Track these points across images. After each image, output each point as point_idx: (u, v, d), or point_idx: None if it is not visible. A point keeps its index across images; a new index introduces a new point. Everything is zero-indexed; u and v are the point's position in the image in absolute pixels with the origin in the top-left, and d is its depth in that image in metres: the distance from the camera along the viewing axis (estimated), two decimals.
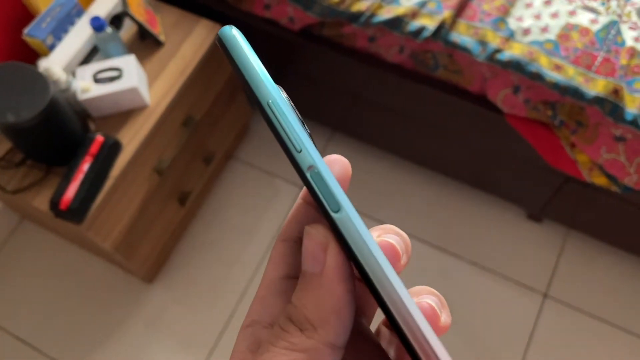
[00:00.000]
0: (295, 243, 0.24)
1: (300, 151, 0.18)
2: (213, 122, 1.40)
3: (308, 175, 0.18)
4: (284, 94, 0.18)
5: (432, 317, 0.21)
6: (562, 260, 1.45)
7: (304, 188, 0.24)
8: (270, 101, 0.17)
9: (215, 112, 1.38)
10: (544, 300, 1.41)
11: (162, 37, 1.24)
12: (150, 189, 1.23)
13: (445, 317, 0.22)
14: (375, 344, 0.24)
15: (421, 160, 1.52)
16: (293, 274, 0.23)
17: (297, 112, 0.18)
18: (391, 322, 0.18)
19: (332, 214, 0.17)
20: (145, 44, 1.24)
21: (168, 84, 1.20)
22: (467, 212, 1.51)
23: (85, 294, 1.47)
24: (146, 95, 1.16)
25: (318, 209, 0.17)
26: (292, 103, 0.18)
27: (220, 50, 0.18)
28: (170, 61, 1.23)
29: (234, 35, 0.18)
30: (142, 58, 1.22)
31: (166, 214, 1.35)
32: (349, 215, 0.17)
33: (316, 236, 0.20)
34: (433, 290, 0.23)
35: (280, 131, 0.18)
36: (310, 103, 1.51)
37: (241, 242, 1.52)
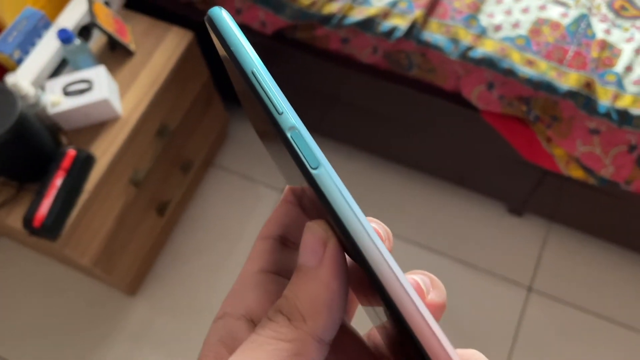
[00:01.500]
0: (274, 241, 0.24)
1: (282, 113, 0.19)
2: (189, 129, 1.38)
3: (289, 135, 0.18)
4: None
5: (416, 290, 0.21)
6: (544, 253, 1.45)
7: (287, 188, 0.25)
8: (254, 70, 0.19)
9: (190, 119, 1.36)
10: (528, 293, 1.41)
11: (132, 47, 1.22)
12: (127, 201, 1.22)
13: (433, 295, 0.22)
14: (356, 338, 0.24)
15: (399, 159, 1.52)
16: (269, 269, 0.24)
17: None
18: (369, 274, 0.18)
19: (311, 171, 0.18)
20: (115, 54, 1.22)
21: (140, 93, 1.18)
22: (448, 209, 1.51)
23: (67, 309, 1.44)
24: (118, 106, 1.15)
25: (298, 168, 0.18)
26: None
27: (209, 29, 0.20)
28: (141, 70, 1.21)
29: (222, 14, 0.19)
30: (112, 68, 1.20)
31: (145, 225, 1.33)
32: (327, 171, 0.18)
33: (317, 231, 0.20)
34: (425, 272, 0.22)
35: (263, 96, 0.19)
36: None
37: (224, 249, 1.51)
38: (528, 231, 1.48)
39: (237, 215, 1.55)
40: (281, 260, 0.25)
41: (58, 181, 1.06)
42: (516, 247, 1.47)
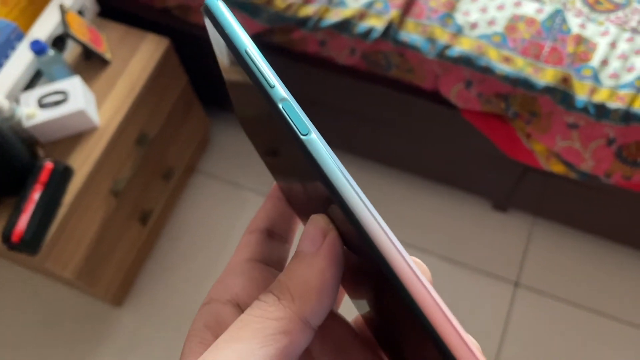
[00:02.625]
0: (261, 233, 0.25)
1: (274, 87, 0.20)
2: (169, 136, 1.37)
3: (280, 105, 0.20)
4: None
5: None
6: (530, 247, 1.46)
7: (274, 185, 0.27)
8: (247, 49, 0.20)
9: (170, 126, 1.35)
10: (515, 289, 1.42)
11: (108, 55, 1.21)
12: (108, 212, 1.20)
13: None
14: (343, 323, 0.25)
15: (382, 159, 1.51)
16: (256, 258, 0.25)
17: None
18: (358, 232, 0.19)
19: (302, 137, 0.19)
20: (91, 63, 1.21)
21: (117, 102, 1.17)
22: (433, 207, 1.51)
23: (52, 323, 1.43)
24: (95, 116, 1.13)
25: (290, 136, 0.19)
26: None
27: (205, 18, 0.21)
28: (118, 79, 1.19)
29: (218, 3, 0.21)
30: (88, 78, 1.19)
31: (128, 235, 1.32)
32: (316, 136, 0.19)
33: (319, 222, 0.21)
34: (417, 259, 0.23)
35: (256, 72, 0.20)
36: None
37: (211, 255, 1.50)
38: (513, 226, 1.48)
39: (223, 221, 1.54)
40: (268, 250, 0.25)
41: (36, 195, 1.04)
42: (502, 242, 1.47)
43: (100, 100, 1.17)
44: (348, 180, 0.19)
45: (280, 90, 0.20)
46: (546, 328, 1.37)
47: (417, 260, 0.22)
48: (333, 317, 0.24)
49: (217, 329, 0.22)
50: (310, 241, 0.21)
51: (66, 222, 1.09)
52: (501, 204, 1.46)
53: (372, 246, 0.18)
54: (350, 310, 0.28)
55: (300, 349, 0.20)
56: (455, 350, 0.18)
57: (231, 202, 1.56)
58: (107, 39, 1.24)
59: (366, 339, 0.25)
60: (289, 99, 0.20)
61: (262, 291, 0.22)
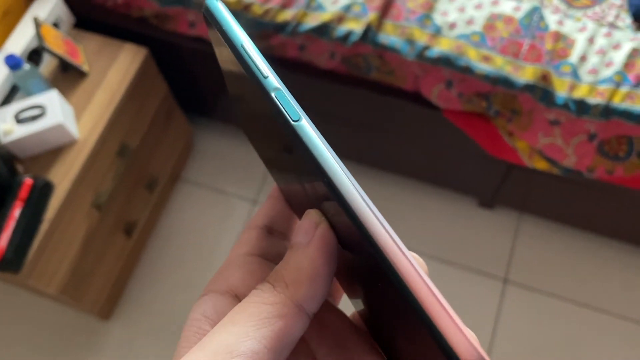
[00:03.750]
0: (260, 229, 0.27)
1: (267, 77, 0.21)
2: (152, 146, 1.36)
3: (273, 94, 0.20)
4: None
5: None
6: (517, 244, 1.46)
7: (274, 186, 0.28)
8: (243, 44, 0.21)
9: (152, 136, 1.34)
10: (504, 285, 1.42)
11: (85, 67, 1.19)
12: (91, 225, 1.19)
13: None
14: (340, 315, 0.25)
15: (367, 161, 1.51)
16: (254, 252, 0.26)
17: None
18: (345, 211, 0.19)
19: (293, 123, 0.20)
20: (68, 76, 1.19)
21: (97, 114, 1.16)
22: (419, 206, 1.51)
23: (38, 338, 1.41)
24: (74, 129, 1.12)
25: (281, 123, 0.20)
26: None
27: (205, 18, 0.22)
28: (96, 91, 1.18)
29: (217, 4, 0.22)
30: (66, 91, 1.17)
31: (113, 248, 1.30)
32: (307, 122, 0.20)
33: (313, 216, 0.22)
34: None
35: (251, 64, 0.21)
36: None
37: (199, 264, 1.48)
38: (500, 223, 1.49)
39: (209, 228, 1.53)
40: (267, 245, 0.26)
41: (16, 212, 1.03)
42: (489, 239, 1.47)
43: (78, 113, 1.16)
44: (338, 163, 0.20)
45: (273, 80, 0.21)
46: (536, 323, 1.37)
47: (414, 255, 0.22)
48: (331, 310, 0.25)
49: (215, 319, 0.23)
50: (304, 233, 0.22)
51: (48, 238, 1.08)
52: (487, 202, 1.46)
53: (360, 225, 0.19)
54: (350, 310, 0.28)
55: (294, 333, 0.21)
56: (453, 342, 0.17)
57: (217, 209, 1.55)
58: (84, 51, 1.22)
59: (365, 331, 0.25)
60: (281, 88, 0.21)
61: (259, 283, 0.23)
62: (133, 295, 1.44)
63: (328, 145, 0.20)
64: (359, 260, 0.21)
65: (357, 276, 0.23)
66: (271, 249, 0.26)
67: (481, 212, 1.50)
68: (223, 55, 0.24)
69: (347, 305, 0.28)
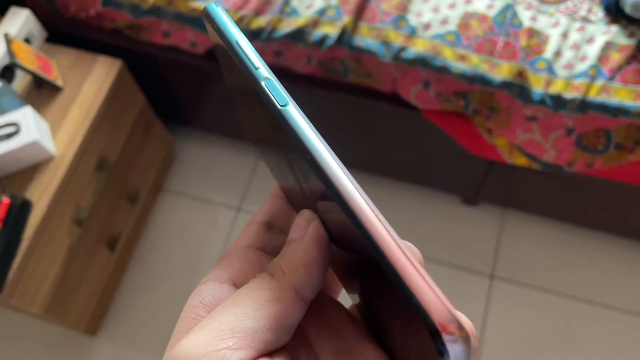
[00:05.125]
0: (260, 225, 0.28)
1: (258, 68, 0.22)
2: (131, 158, 1.34)
3: (263, 83, 0.22)
4: None
5: None
6: (502, 239, 1.47)
7: (276, 186, 0.30)
8: (237, 40, 0.23)
9: (131, 148, 1.32)
10: (491, 281, 1.42)
11: (59, 82, 1.17)
12: (73, 241, 1.17)
13: None
14: (338, 304, 0.26)
15: (348, 163, 1.50)
16: (254, 245, 0.27)
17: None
18: (331, 192, 0.20)
19: (280, 107, 0.21)
20: (42, 91, 1.18)
21: (73, 129, 1.14)
22: (403, 206, 1.51)
23: (26, 357, 1.39)
24: (50, 145, 1.10)
25: (271, 108, 0.22)
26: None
27: (205, 20, 0.24)
28: (72, 105, 1.16)
29: (215, 8, 0.24)
30: (41, 107, 1.16)
31: (97, 263, 1.29)
32: (294, 107, 0.21)
33: (306, 214, 0.24)
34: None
35: (244, 57, 0.22)
36: (235, 123, 1.47)
37: (186, 274, 1.47)
38: (484, 219, 1.49)
39: (195, 238, 1.52)
40: (266, 239, 0.28)
41: None
42: (474, 236, 1.48)
43: (54, 129, 1.14)
44: (321, 142, 0.21)
45: (263, 71, 0.22)
46: (525, 317, 1.38)
47: (407, 243, 0.23)
48: (328, 301, 0.26)
49: (212, 306, 0.24)
50: (298, 230, 0.24)
51: (29, 257, 1.06)
52: (471, 199, 1.47)
53: (342, 201, 0.20)
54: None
55: (292, 317, 0.22)
56: (425, 302, 0.18)
57: (202, 218, 1.54)
58: (58, 65, 1.20)
59: (362, 322, 0.26)
60: (271, 78, 0.22)
61: (257, 273, 0.24)
62: (120, 309, 1.43)
63: (313, 127, 0.21)
64: (352, 254, 0.22)
65: (351, 270, 0.24)
66: (270, 243, 0.28)
67: (465, 209, 1.50)
68: (221, 52, 0.25)
69: (347, 303, 0.28)
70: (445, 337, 0.17)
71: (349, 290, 0.27)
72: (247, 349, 0.21)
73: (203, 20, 0.24)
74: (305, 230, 0.24)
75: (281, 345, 0.22)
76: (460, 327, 0.17)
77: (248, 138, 0.33)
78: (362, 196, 0.20)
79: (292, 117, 0.21)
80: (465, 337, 0.17)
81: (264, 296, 0.22)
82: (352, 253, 0.22)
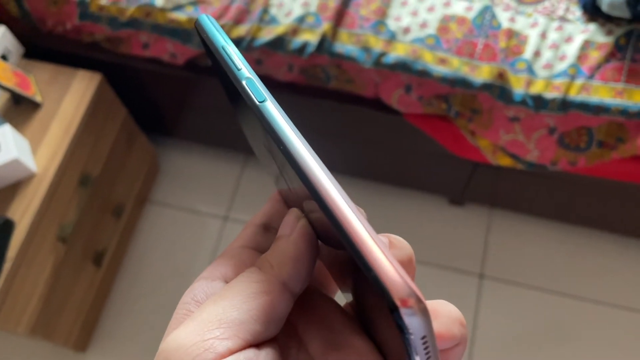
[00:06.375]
0: (257, 226, 0.29)
1: (240, 69, 0.23)
2: (115, 172, 1.33)
3: (244, 82, 0.23)
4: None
5: None
6: (490, 238, 1.47)
7: (275, 191, 0.31)
8: (223, 45, 0.24)
9: (114, 162, 1.31)
10: (480, 281, 1.43)
11: (38, 98, 1.16)
12: (57, 259, 1.16)
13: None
14: (329, 300, 0.26)
15: (335, 169, 1.50)
16: (249, 245, 0.28)
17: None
18: (302, 180, 0.21)
19: (258, 103, 0.22)
20: (21, 108, 1.16)
21: (53, 146, 1.13)
22: (390, 209, 1.51)
23: None
24: (31, 163, 1.09)
25: (250, 105, 0.22)
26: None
27: (197, 30, 0.25)
28: (52, 121, 1.15)
29: (205, 19, 0.25)
30: (20, 124, 1.14)
31: (83, 279, 1.27)
32: (271, 103, 0.22)
33: (295, 212, 0.25)
34: (386, 234, 0.24)
35: (228, 60, 0.24)
36: (218, 132, 1.47)
37: (175, 287, 1.46)
38: (471, 220, 1.50)
39: (182, 249, 1.50)
40: (262, 240, 0.28)
41: None
42: (462, 236, 1.48)
43: (35, 146, 1.12)
44: (295, 133, 0.22)
45: (245, 71, 0.23)
46: (515, 315, 1.39)
47: (396, 237, 0.24)
48: (320, 297, 0.26)
49: (204, 302, 0.24)
50: (287, 227, 0.24)
51: (13, 277, 1.05)
52: (457, 199, 1.47)
53: (313, 190, 0.20)
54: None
55: (280, 309, 0.22)
56: (383, 277, 0.17)
57: (189, 229, 1.53)
58: (36, 81, 1.19)
59: (354, 316, 0.26)
60: (252, 78, 0.23)
61: None
62: (109, 324, 1.41)
63: (290, 121, 0.22)
64: (338, 251, 0.22)
65: (342, 268, 0.24)
66: (265, 243, 0.28)
67: (452, 210, 1.50)
68: (214, 61, 0.27)
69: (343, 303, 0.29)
70: (403, 311, 0.17)
71: (343, 290, 0.27)
72: (234, 338, 0.21)
73: (196, 31, 0.26)
74: (294, 227, 0.24)
75: (270, 337, 0.22)
76: (419, 300, 0.17)
77: (242, 145, 0.35)
78: (327, 177, 0.20)
79: (268, 112, 0.22)
80: (423, 310, 0.17)
81: (252, 288, 0.22)
82: (338, 248, 0.22)
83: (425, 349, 0.18)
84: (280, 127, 0.22)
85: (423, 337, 0.17)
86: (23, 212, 1.07)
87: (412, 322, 0.17)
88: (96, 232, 1.29)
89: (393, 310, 0.17)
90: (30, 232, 1.06)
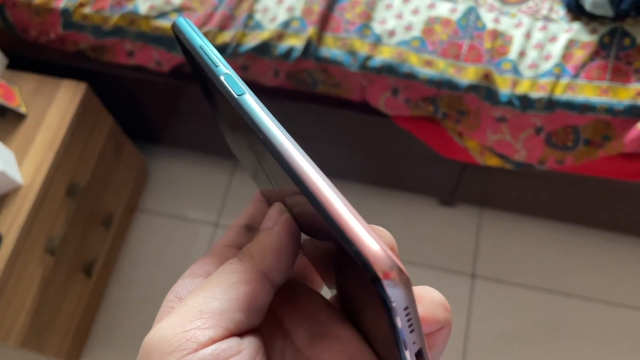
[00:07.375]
0: (240, 227, 0.29)
1: (218, 66, 0.23)
2: (103, 181, 1.32)
3: (222, 78, 0.23)
4: None
5: None
6: (481, 238, 1.48)
7: (258, 192, 0.31)
8: (201, 44, 0.24)
9: (102, 171, 1.30)
10: (472, 280, 1.43)
11: (22, 109, 1.15)
12: (46, 271, 1.15)
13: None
14: (313, 292, 0.27)
15: (325, 172, 1.50)
16: (232, 245, 0.28)
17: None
18: (281, 164, 0.21)
19: (237, 97, 0.22)
20: (5, 119, 1.15)
21: (39, 157, 1.12)
22: (381, 211, 1.51)
23: None
24: (17, 175, 1.08)
25: (229, 99, 0.23)
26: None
27: (174, 33, 0.26)
28: (37, 132, 1.14)
29: (183, 22, 0.25)
30: (5, 136, 1.13)
31: (73, 290, 1.26)
32: (249, 95, 0.23)
33: (278, 206, 0.25)
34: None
35: (206, 58, 0.24)
36: (207, 139, 1.46)
37: (166, 293, 1.45)
38: (462, 220, 1.50)
39: (173, 256, 1.50)
40: (245, 239, 0.28)
41: None
42: (453, 237, 1.48)
43: (20, 157, 1.11)
44: (274, 122, 0.22)
45: (222, 67, 0.23)
46: (508, 314, 1.39)
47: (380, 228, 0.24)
48: (304, 289, 0.26)
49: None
50: (270, 219, 0.25)
51: (1, 290, 1.04)
52: (448, 200, 1.47)
53: (291, 171, 0.20)
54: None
55: (260, 298, 0.23)
56: (364, 249, 0.18)
57: (179, 236, 1.52)
58: (20, 92, 1.18)
59: (339, 308, 0.27)
60: (230, 73, 0.23)
61: None
62: (100, 335, 1.40)
63: (268, 111, 0.22)
64: (322, 242, 0.23)
65: (327, 261, 0.25)
66: (248, 242, 0.28)
67: (443, 210, 1.51)
68: (193, 64, 0.27)
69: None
70: (385, 283, 0.17)
71: (329, 285, 0.28)
72: (216, 328, 0.21)
73: (174, 35, 0.26)
74: (276, 220, 0.24)
75: (252, 327, 0.23)
76: (401, 271, 0.17)
77: (230, 150, 0.35)
78: (305, 158, 0.21)
79: (247, 104, 0.22)
80: (405, 281, 0.17)
81: (232, 279, 0.23)
82: (322, 238, 0.22)
83: (409, 320, 0.18)
84: (258, 117, 0.22)
85: (406, 309, 0.18)
86: (10, 225, 1.06)
87: (394, 293, 0.17)
88: (85, 243, 1.28)
89: (375, 281, 0.17)
90: (17, 245, 1.05)
